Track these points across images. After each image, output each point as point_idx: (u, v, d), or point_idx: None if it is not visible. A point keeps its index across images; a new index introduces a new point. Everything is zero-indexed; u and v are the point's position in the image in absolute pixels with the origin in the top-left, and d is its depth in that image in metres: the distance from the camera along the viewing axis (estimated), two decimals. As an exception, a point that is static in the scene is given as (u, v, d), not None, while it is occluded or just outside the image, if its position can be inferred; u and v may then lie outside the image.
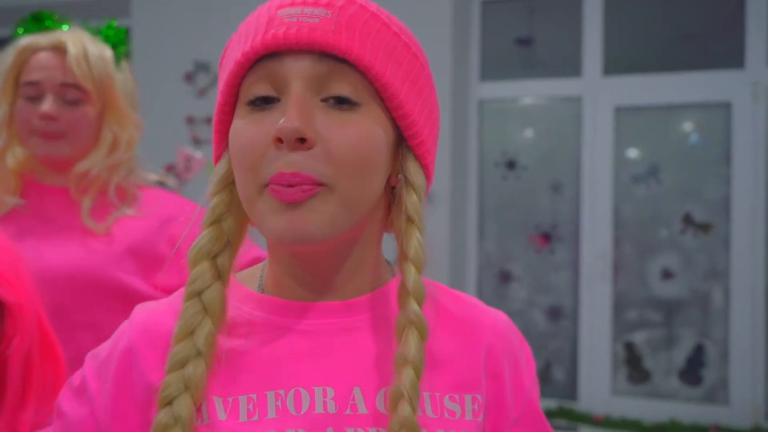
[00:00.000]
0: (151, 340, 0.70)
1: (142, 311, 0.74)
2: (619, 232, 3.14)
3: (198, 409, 0.65)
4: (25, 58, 1.36)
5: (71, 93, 1.37)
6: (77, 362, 1.29)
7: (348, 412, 0.65)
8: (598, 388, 2.93)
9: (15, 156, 1.39)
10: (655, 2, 3.08)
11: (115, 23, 1.51)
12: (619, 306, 2.97)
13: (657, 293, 3.07)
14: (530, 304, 3.12)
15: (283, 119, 0.58)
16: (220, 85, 0.66)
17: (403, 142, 0.66)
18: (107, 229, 1.42)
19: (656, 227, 3.14)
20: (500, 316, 0.75)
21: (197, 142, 3.41)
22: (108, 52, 1.42)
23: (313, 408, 0.65)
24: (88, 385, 0.72)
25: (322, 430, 0.64)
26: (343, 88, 0.62)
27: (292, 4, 0.62)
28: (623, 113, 3.13)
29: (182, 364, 0.65)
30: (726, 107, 2.97)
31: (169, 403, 0.64)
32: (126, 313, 1.24)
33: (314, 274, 0.68)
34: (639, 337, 2.96)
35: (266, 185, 0.60)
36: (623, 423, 2.79)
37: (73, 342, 1.34)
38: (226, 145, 0.67)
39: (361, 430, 0.65)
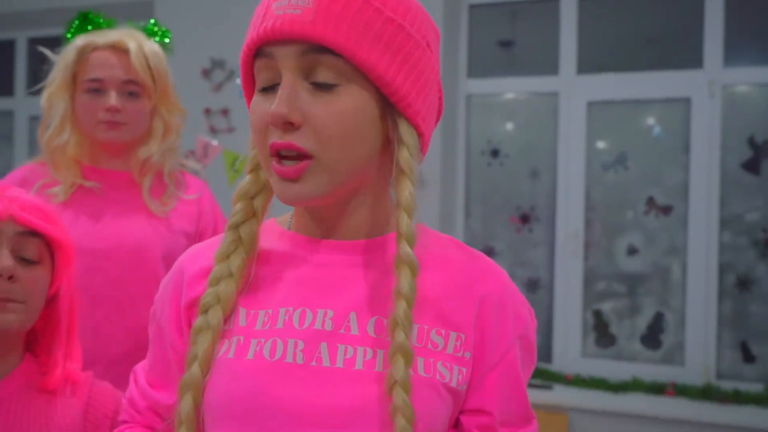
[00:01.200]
0: (196, 264, 0.78)
1: (192, 247, 0.83)
2: (589, 213, 3.17)
3: (227, 318, 0.71)
4: (84, 56, 1.38)
5: (132, 87, 1.40)
6: (136, 331, 1.35)
7: (342, 331, 0.70)
8: (570, 350, 3.03)
9: (75, 144, 1.41)
10: (623, 9, 3.13)
11: (156, 22, 1.57)
12: (589, 279, 3.05)
13: (623, 268, 3.11)
14: (511, 276, 2.99)
15: (273, 105, 0.63)
16: (241, 64, 0.72)
17: (393, 107, 0.68)
18: (166, 212, 1.46)
19: (623, 209, 3.16)
20: (502, 275, 0.78)
21: (213, 131, 3.44)
22: (159, 49, 1.45)
23: (313, 324, 0.70)
24: (156, 306, 0.81)
25: (317, 343, 0.68)
26: (322, 75, 0.65)
27: None
28: (595, 107, 3.15)
29: (217, 282, 0.72)
30: (686, 103, 3.00)
31: (205, 312, 0.71)
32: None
33: (321, 219, 0.75)
34: (606, 306, 3.04)
35: (270, 157, 0.67)
36: (591, 381, 2.89)
37: (133, 313, 1.40)
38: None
39: (351, 347, 0.69)
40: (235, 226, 0.73)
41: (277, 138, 0.65)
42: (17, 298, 0.87)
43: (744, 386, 2.84)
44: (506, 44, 3.30)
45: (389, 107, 0.68)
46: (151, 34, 1.51)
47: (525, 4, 3.22)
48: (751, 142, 2.91)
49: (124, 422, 0.84)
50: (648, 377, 2.86)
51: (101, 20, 1.52)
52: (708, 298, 2.96)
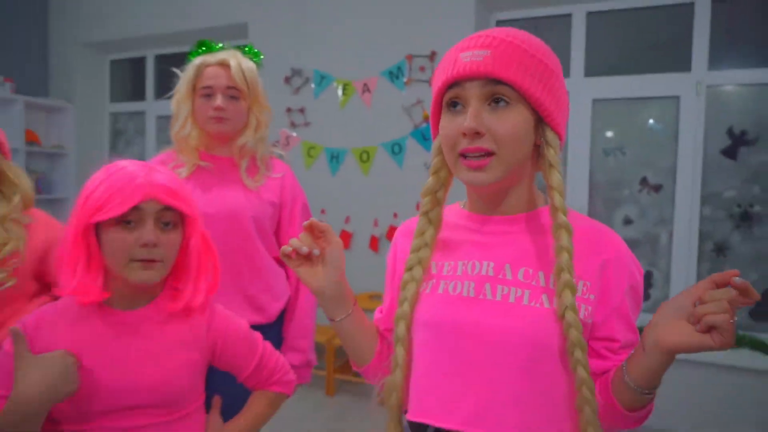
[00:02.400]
0: (406, 235, 0.98)
1: (404, 223, 1.01)
2: (593, 191, 3.40)
3: (425, 269, 0.89)
4: (200, 71, 1.57)
5: (232, 92, 1.56)
6: (233, 272, 1.54)
7: (500, 276, 0.84)
8: (573, 300, 3.38)
9: (195, 136, 1.58)
10: (623, 22, 3.31)
11: (251, 46, 1.81)
12: (591, 244, 3.35)
13: (621, 235, 3.33)
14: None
15: (466, 122, 0.79)
16: (433, 95, 0.87)
17: (542, 120, 0.82)
18: (257, 187, 1.60)
19: (620, 187, 3.35)
20: (618, 240, 0.87)
21: (293, 125, 3.80)
22: (252, 65, 1.63)
23: (481, 271, 0.85)
24: (394, 246, 1.01)
25: (483, 284, 0.84)
26: (500, 96, 0.80)
27: (467, 48, 0.81)
28: (599, 104, 3.36)
29: (417, 249, 0.90)
30: (675, 100, 3.19)
31: (410, 269, 0.89)
32: (263, 242, 1.58)
33: (489, 200, 0.88)
34: (604, 266, 3.34)
35: (459, 155, 0.82)
36: (590, 325, 3.26)
37: (232, 260, 1.53)
38: (437, 128, 0.89)
39: (506, 287, 0.83)
40: (426, 213, 0.90)
41: (467, 144, 0.80)
42: (158, 258, 0.96)
43: (717, 332, 3.14)
44: None
45: (539, 120, 0.82)
46: (247, 53, 1.71)
47: (544, 19, 3.48)
48: (730, 133, 3.13)
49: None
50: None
51: (213, 45, 1.73)
52: (689, 260, 3.21)
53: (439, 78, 0.84)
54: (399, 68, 3.56)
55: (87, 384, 0.92)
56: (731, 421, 2.98)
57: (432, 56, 3.46)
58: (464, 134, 0.80)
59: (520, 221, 0.87)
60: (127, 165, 0.96)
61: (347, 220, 3.75)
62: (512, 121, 0.80)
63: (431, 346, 0.86)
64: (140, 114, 4.80)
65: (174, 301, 1.01)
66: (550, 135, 0.83)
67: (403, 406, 0.89)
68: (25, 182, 1.45)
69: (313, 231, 0.88)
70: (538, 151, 0.84)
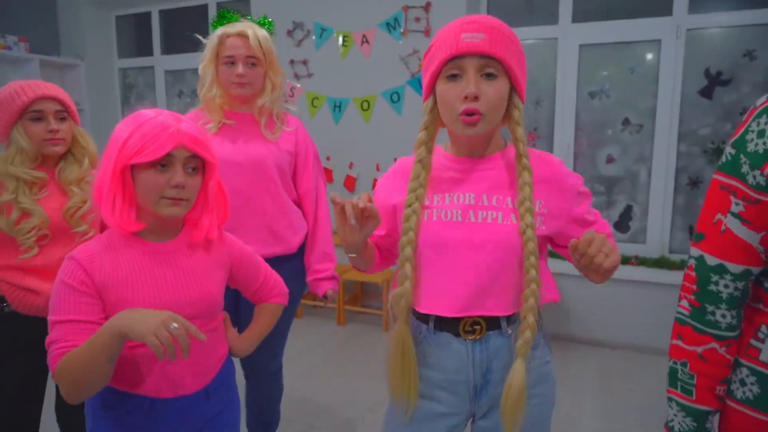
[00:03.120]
0: (401, 175, 1.12)
1: (399, 160, 1.16)
2: (579, 131, 3.52)
3: (422, 205, 1.05)
4: (222, 41, 1.69)
5: (251, 60, 1.67)
6: (256, 213, 1.72)
7: (480, 203, 1.04)
8: (559, 233, 3.56)
9: (220, 97, 1.72)
10: None
11: (265, 17, 1.90)
12: (576, 181, 3.50)
13: (603, 172, 3.49)
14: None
15: (468, 88, 0.96)
16: (432, 66, 1.01)
17: (513, 89, 1.02)
18: (275, 138, 1.75)
19: (604, 128, 3.47)
20: (558, 163, 1.09)
21: (297, 76, 3.88)
22: (267, 34, 1.75)
23: (465, 201, 1.05)
24: (389, 181, 1.17)
25: (468, 210, 1.04)
26: (490, 71, 0.97)
27: (468, 30, 0.97)
28: (585, 49, 3.44)
29: (414, 189, 1.06)
30: (657, 43, 3.27)
31: (410, 205, 1.06)
32: (284, 186, 1.74)
33: (474, 146, 1.07)
34: (589, 201, 3.51)
35: (458, 116, 0.98)
36: (574, 255, 3.45)
37: (258, 201, 1.71)
38: (430, 93, 1.05)
39: (485, 211, 1.03)
40: (420, 160, 1.08)
41: (468, 105, 0.97)
42: (185, 197, 1.06)
43: (688, 257, 3.34)
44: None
45: (511, 90, 1.02)
46: (262, 24, 1.84)
47: None
48: (707, 74, 3.23)
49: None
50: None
51: (233, 16, 1.84)
52: (666, 194, 3.38)
53: (443, 52, 0.99)
54: (396, 19, 3.61)
55: (144, 303, 1.04)
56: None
57: (427, 7, 3.51)
58: (466, 97, 0.97)
59: (492, 159, 1.08)
60: (157, 114, 1.04)
61: (351, 165, 3.90)
62: (499, 89, 0.99)
63: (433, 260, 1.07)
64: (149, 69, 4.86)
65: (195, 233, 1.14)
66: (516, 100, 1.03)
67: (410, 310, 1.08)
68: (92, 146, 1.58)
69: (363, 212, 0.98)
70: (507, 111, 1.04)
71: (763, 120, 0.82)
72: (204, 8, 4.46)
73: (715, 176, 0.89)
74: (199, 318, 1.11)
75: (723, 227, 0.88)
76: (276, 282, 1.34)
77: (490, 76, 0.98)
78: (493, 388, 1.10)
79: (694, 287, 0.91)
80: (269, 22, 1.87)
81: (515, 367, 1.02)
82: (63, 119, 1.53)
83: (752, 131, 0.85)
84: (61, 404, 1.71)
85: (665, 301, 3.24)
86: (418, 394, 1.12)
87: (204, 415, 1.16)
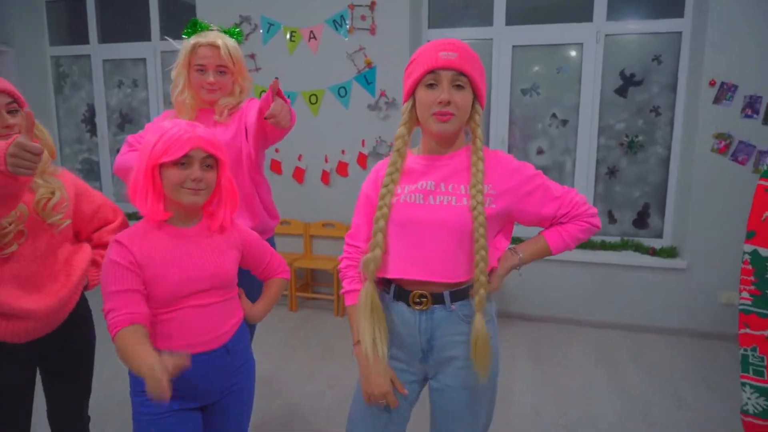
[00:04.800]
0: (384, 168, 1.35)
1: (374, 167, 1.40)
2: (512, 125, 3.86)
3: (396, 186, 1.29)
4: (194, 49, 1.83)
5: (221, 68, 1.84)
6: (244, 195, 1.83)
7: (438, 189, 1.27)
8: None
9: (191, 98, 1.86)
10: None
11: (234, 27, 2.01)
12: (510, 171, 3.80)
13: (534, 163, 3.33)
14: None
15: (442, 95, 1.21)
16: (414, 75, 1.24)
17: (475, 99, 1.28)
18: (225, 119, 1.85)
19: (534, 122, 3.82)
20: (508, 158, 1.31)
21: None
22: (236, 43, 1.89)
23: (426, 187, 1.29)
24: (375, 178, 1.38)
25: (428, 194, 1.28)
26: (459, 83, 1.23)
27: (445, 50, 1.22)
28: (518, 50, 3.76)
29: (391, 174, 1.31)
30: (580, 46, 3.65)
31: (386, 185, 1.30)
32: (248, 165, 1.85)
33: (443, 142, 1.30)
34: (521, 190, 3.83)
35: (432, 114, 1.23)
36: (513, 240, 3.80)
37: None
38: (410, 97, 1.28)
39: (441, 195, 1.26)
40: (398, 150, 1.31)
41: (441, 108, 1.22)
42: (202, 188, 1.30)
43: (608, 239, 3.78)
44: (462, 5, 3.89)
45: (474, 97, 1.28)
46: (231, 34, 1.95)
47: None
48: (622, 75, 3.66)
49: (347, 259, 1.42)
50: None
51: (202, 25, 1.94)
52: (588, 182, 3.80)
53: (424, 65, 1.24)
54: (342, 17, 3.80)
55: (177, 276, 1.29)
56: (622, 301, 3.70)
57: (372, 6, 3.72)
58: (440, 102, 1.22)
59: (454, 156, 1.31)
60: (176, 124, 1.29)
61: (300, 157, 4.06)
62: (465, 97, 1.25)
63: (399, 234, 1.30)
64: (85, 57, 4.76)
65: (212, 221, 1.39)
66: (477, 106, 1.29)
67: (376, 272, 1.31)
68: (47, 135, 1.53)
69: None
70: (470, 115, 1.29)
71: None
72: (145, -3, 4.45)
73: (760, 182, 1.06)
74: (218, 289, 1.36)
75: None
76: (280, 261, 1.59)
77: (459, 87, 1.23)
78: (437, 353, 1.33)
79: (753, 278, 1.01)
80: (238, 32, 2.00)
81: (475, 320, 1.27)
82: (15, 112, 1.44)
83: None
84: (52, 412, 1.70)
85: (590, 277, 3.69)
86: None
87: (227, 367, 1.40)
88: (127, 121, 4.76)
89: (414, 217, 1.27)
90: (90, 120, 4.87)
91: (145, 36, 4.49)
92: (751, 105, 3.26)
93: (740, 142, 3.31)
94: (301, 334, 3.62)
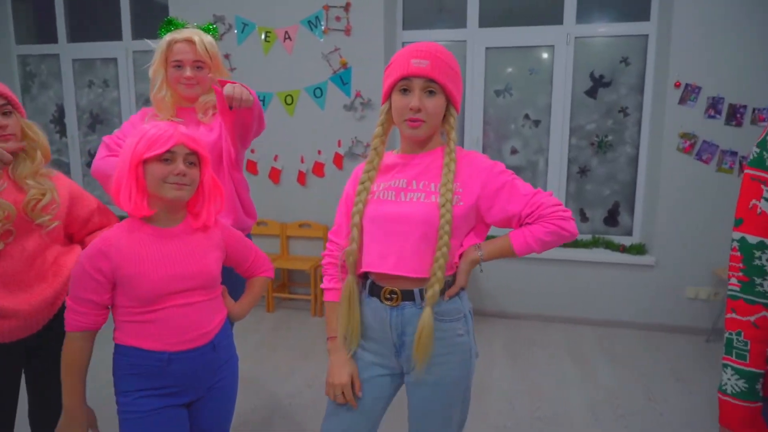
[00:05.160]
0: (361, 168, 1.41)
1: (355, 169, 1.45)
2: (486, 125, 3.93)
3: (372, 184, 1.36)
4: (170, 46, 1.85)
5: (198, 64, 1.85)
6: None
7: (409, 186, 1.32)
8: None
9: (170, 96, 1.88)
10: None
11: (209, 23, 2.05)
12: (485, 171, 3.88)
13: (508, 162, 3.88)
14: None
15: (413, 102, 1.26)
16: (389, 79, 1.29)
17: (449, 103, 1.32)
18: (209, 120, 1.89)
19: (508, 122, 3.90)
20: (481, 158, 1.35)
21: None
22: (212, 39, 1.91)
23: (398, 185, 1.33)
24: (348, 188, 1.44)
25: (399, 192, 1.33)
26: (431, 89, 1.27)
27: (417, 57, 1.26)
28: (491, 51, 3.84)
29: (368, 171, 1.38)
30: (551, 48, 3.74)
31: (363, 182, 1.36)
32: (228, 165, 1.87)
33: (417, 144, 1.35)
34: (496, 189, 3.91)
35: (405, 120, 1.28)
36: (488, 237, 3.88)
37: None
38: (387, 99, 1.33)
39: (412, 192, 1.31)
40: (375, 148, 1.37)
41: (412, 114, 1.27)
42: (186, 183, 1.31)
43: (581, 237, 3.88)
44: (437, 6, 3.94)
45: (448, 103, 1.32)
46: (207, 30, 1.97)
47: None
48: (592, 76, 3.76)
49: (328, 256, 1.44)
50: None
51: (177, 23, 1.97)
52: (560, 181, 3.89)
53: (397, 72, 1.28)
54: (317, 18, 3.82)
55: (158, 275, 1.29)
56: (594, 297, 3.80)
57: (347, 7, 3.75)
58: (411, 108, 1.27)
59: (428, 155, 1.35)
60: (159, 123, 1.32)
61: (276, 158, 4.07)
62: (437, 103, 1.29)
63: (373, 230, 1.34)
64: (54, 57, 4.67)
65: (196, 220, 1.40)
66: (452, 110, 1.34)
67: (356, 265, 1.36)
68: (42, 137, 1.55)
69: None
70: (445, 118, 1.34)
71: None
72: (115, -4, 4.39)
73: (746, 171, 1.06)
74: (201, 288, 1.37)
75: (759, 210, 1.02)
76: (263, 260, 1.61)
77: (431, 92, 1.27)
78: (408, 349, 1.36)
79: (741, 265, 1.03)
80: (214, 28, 2.02)
81: (423, 313, 1.30)
82: (8, 113, 1.48)
83: None
84: (34, 413, 1.70)
85: (563, 274, 3.78)
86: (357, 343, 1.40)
87: (213, 363, 1.42)
88: (98, 121, 4.69)
89: (385, 213, 1.31)
90: (59, 120, 4.79)
91: (116, 35, 4.43)
92: (714, 106, 3.39)
93: (704, 141, 3.44)
94: (278, 334, 3.62)
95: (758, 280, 1.02)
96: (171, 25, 1.95)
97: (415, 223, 1.28)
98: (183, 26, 1.94)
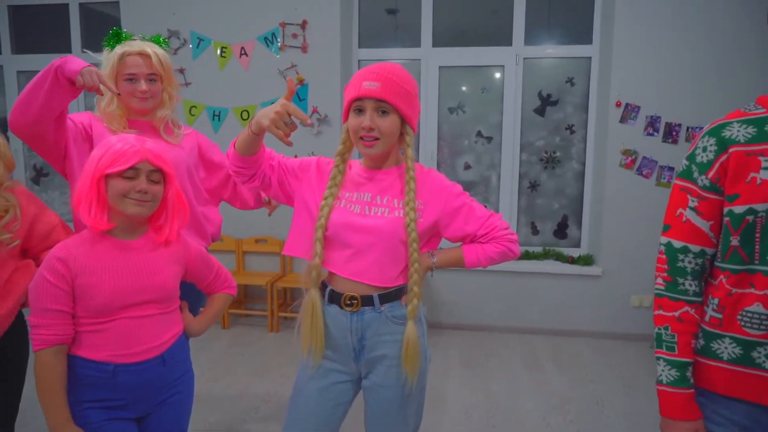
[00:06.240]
0: (323, 171, 1.44)
1: (325, 159, 1.46)
2: (441, 142, 4.05)
3: (334, 200, 1.40)
4: (122, 59, 1.82)
5: (152, 76, 1.85)
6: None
7: (374, 201, 1.40)
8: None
9: (119, 109, 1.85)
10: (461, 3, 3.93)
11: (160, 35, 2.04)
12: (440, 186, 3.98)
13: (461, 178, 4.03)
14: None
15: (365, 122, 1.32)
16: (346, 100, 1.36)
17: (404, 122, 1.37)
18: (179, 141, 1.95)
19: (461, 139, 4.03)
20: (438, 176, 1.44)
21: None
22: (164, 51, 1.90)
23: (364, 199, 1.41)
24: (316, 165, 1.45)
25: (365, 205, 1.40)
26: (383, 109, 1.33)
27: (368, 79, 1.31)
28: (444, 70, 3.97)
29: (330, 188, 1.41)
30: (501, 68, 3.91)
31: (326, 198, 1.40)
32: (192, 186, 1.96)
33: (375, 161, 1.42)
34: (450, 203, 4.02)
35: (360, 138, 1.34)
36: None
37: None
38: (347, 116, 1.37)
39: (377, 207, 1.38)
40: (337, 166, 1.42)
41: (365, 132, 1.33)
42: (148, 200, 1.33)
43: (532, 249, 4.04)
44: (391, 11, 4.03)
45: (403, 122, 1.37)
46: (157, 42, 1.98)
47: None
48: (540, 95, 3.96)
49: None
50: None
51: (125, 35, 1.96)
52: (512, 196, 4.04)
53: (351, 93, 1.35)
54: (273, 34, 3.88)
55: (113, 287, 1.30)
56: (545, 307, 3.95)
57: (304, 25, 3.82)
58: (363, 128, 1.33)
59: (390, 171, 1.43)
60: (126, 137, 1.34)
61: (231, 172, 4.05)
62: (390, 123, 1.35)
63: (338, 240, 1.40)
64: (-2, 69, 4.53)
65: (158, 235, 1.41)
66: (408, 129, 1.39)
67: (319, 279, 1.41)
68: (4, 147, 1.53)
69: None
70: (402, 136, 1.40)
71: (705, 139, 1.13)
72: (64, 8, 4.33)
73: (676, 182, 1.17)
74: (156, 302, 1.38)
75: (684, 218, 1.12)
76: (226, 277, 1.62)
77: (384, 112, 1.34)
78: (368, 353, 1.43)
79: (666, 266, 1.15)
80: (164, 40, 2.04)
81: (408, 327, 1.38)
82: None
83: (699, 148, 1.12)
84: None
85: (515, 286, 3.92)
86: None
87: (163, 378, 1.41)
88: (44, 135, 4.55)
89: (351, 224, 1.37)
90: (2, 133, 4.61)
91: (64, 47, 4.35)
92: (652, 124, 3.63)
93: (644, 157, 3.67)
94: (234, 351, 3.60)
95: (680, 280, 1.13)
96: (119, 37, 1.94)
97: (379, 234, 1.35)
98: (130, 38, 1.93)
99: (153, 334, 1.38)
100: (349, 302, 1.41)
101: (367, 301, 1.40)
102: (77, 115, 1.84)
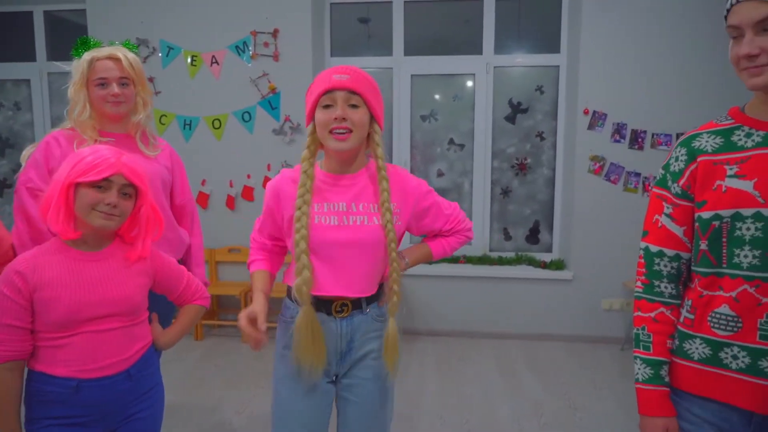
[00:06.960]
0: (289, 183, 1.42)
1: (282, 173, 1.45)
2: (413, 149, 4.11)
3: (309, 208, 1.36)
4: (92, 64, 1.81)
5: (124, 80, 1.83)
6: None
7: (350, 210, 1.38)
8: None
9: (91, 117, 1.82)
10: (433, 13, 4.00)
11: (129, 41, 2.09)
12: (413, 193, 4.02)
13: (434, 185, 4.05)
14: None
15: (337, 112, 1.31)
16: (311, 98, 1.35)
17: (372, 119, 1.37)
18: (155, 155, 1.93)
19: (434, 146, 4.09)
20: (407, 175, 1.45)
21: None
22: (135, 56, 1.88)
23: (339, 209, 1.38)
24: (278, 187, 1.43)
25: (341, 215, 1.38)
26: (353, 102, 1.33)
27: (336, 73, 1.32)
28: (416, 79, 4.03)
29: (303, 195, 1.36)
30: (472, 77, 3.99)
31: (299, 208, 1.36)
32: (166, 200, 1.98)
33: (343, 162, 1.39)
34: (424, 210, 4.06)
35: (330, 131, 1.32)
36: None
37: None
38: (311, 120, 1.37)
39: (354, 216, 1.37)
40: (305, 171, 1.38)
41: (337, 124, 1.31)
42: (117, 214, 1.31)
43: (505, 254, 4.11)
44: (363, 20, 4.08)
45: (371, 121, 1.37)
46: (128, 47, 1.97)
47: (372, 4, 4.05)
48: (510, 103, 4.04)
49: (256, 252, 1.53)
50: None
51: (93, 42, 1.99)
52: (485, 202, 4.11)
53: (319, 87, 1.34)
54: (245, 43, 3.89)
55: (73, 300, 1.27)
56: (519, 312, 4.01)
57: (275, 33, 3.84)
58: (335, 119, 1.32)
59: (358, 175, 1.41)
60: (102, 148, 1.32)
61: (203, 182, 4.05)
62: (361, 115, 1.35)
63: (318, 255, 1.38)
64: (-39, 77, 4.44)
65: (129, 250, 1.38)
66: (375, 126, 1.40)
67: (310, 294, 1.37)
68: None
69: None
70: (369, 136, 1.40)
71: (678, 150, 1.21)
72: (29, 15, 4.26)
73: (653, 189, 1.23)
74: (121, 315, 1.35)
75: (660, 224, 1.19)
76: (197, 288, 1.58)
77: (354, 106, 1.33)
78: (354, 353, 1.46)
79: (644, 270, 1.22)
80: (134, 45, 2.03)
81: (389, 324, 1.42)
82: None
83: (672, 158, 1.18)
84: None
85: (489, 291, 3.97)
86: (291, 359, 1.43)
87: (129, 393, 1.38)
88: (9, 145, 4.48)
89: (332, 239, 1.36)
90: (-35, 145, 4.53)
91: (29, 56, 4.29)
92: (619, 131, 3.74)
93: (612, 163, 3.78)
94: (207, 363, 3.57)
95: (657, 283, 1.20)
96: (87, 44, 1.92)
97: (363, 246, 1.37)
98: (99, 45, 1.91)
99: (118, 348, 1.35)
100: (340, 309, 1.43)
101: (356, 305, 1.44)
102: (57, 147, 1.81)
